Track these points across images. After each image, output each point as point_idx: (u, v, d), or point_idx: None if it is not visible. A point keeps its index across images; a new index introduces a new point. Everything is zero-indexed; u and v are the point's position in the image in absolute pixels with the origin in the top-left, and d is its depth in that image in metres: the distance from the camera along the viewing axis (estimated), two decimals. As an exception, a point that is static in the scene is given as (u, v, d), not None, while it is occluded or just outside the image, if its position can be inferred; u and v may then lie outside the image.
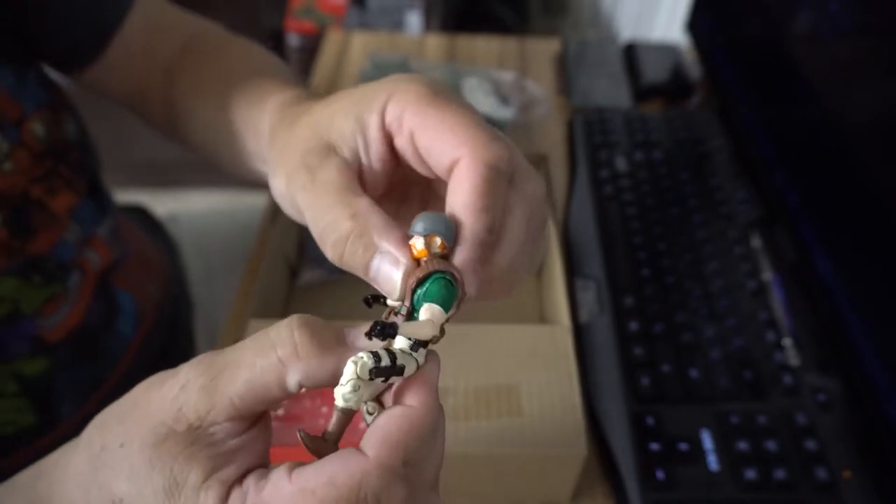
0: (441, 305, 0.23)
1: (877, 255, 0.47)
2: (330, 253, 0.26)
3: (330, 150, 0.28)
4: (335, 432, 0.23)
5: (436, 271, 0.23)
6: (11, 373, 0.49)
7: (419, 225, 0.24)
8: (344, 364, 0.22)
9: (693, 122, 0.73)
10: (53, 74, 0.53)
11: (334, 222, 0.25)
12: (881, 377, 0.45)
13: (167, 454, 0.22)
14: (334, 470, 0.21)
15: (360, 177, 0.28)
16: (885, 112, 0.47)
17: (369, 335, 0.22)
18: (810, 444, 0.46)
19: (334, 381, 0.22)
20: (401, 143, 0.27)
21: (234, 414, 0.22)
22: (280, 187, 0.30)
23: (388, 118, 0.27)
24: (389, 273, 0.24)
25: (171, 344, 0.67)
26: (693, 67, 0.82)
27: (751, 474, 0.44)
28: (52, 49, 0.49)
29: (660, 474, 0.44)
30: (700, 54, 0.79)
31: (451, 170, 0.26)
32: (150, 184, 1.54)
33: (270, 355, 0.22)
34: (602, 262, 0.58)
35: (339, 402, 0.22)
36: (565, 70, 0.83)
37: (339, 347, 0.23)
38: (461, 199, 0.24)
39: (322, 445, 0.23)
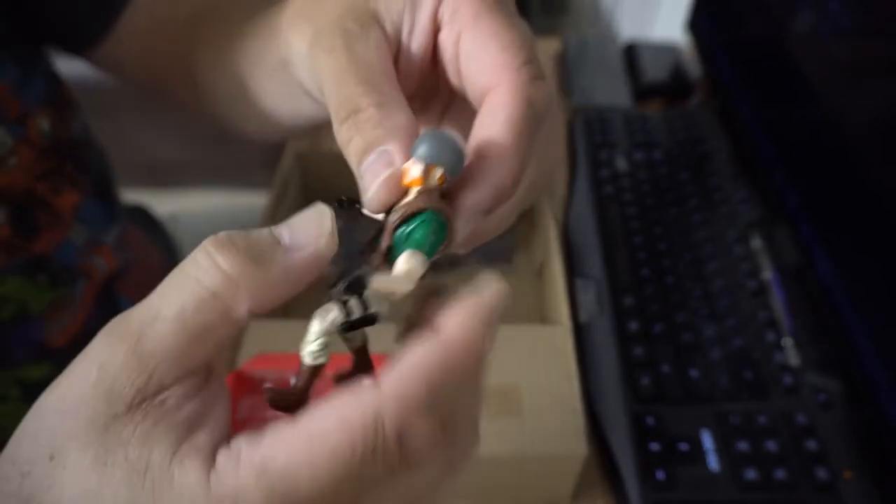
0: (425, 254, 0.19)
1: (877, 255, 0.46)
2: (341, 133, 0.22)
3: (373, 19, 0.24)
4: (302, 386, 0.20)
5: (428, 209, 0.19)
6: (14, 379, 0.49)
7: (423, 147, 0.19)
8: (293, 268, 0.19)
9: (693, 122, 0.73)
10: (61, 68, 0.52)
11: (355, 102, 0.22)
12: (881, 377, 0.45)
13: (116, 443, 0.17)
14: (345, 409, 0.17)
15: (395, 59, 0.25)
16: (885, 112, 0.47)
17: (336, 295, 0.18)
18: (810, 444, 0.46)
19: (288, 293, 0.19)
20: (445, 39, 0.24)
21: (179, 372, 0.18)
22: (300, 47, 0.26)
23: (443, 6, 0.24)
24: (378, 173, 0.20)
25: None
26: (693, 67, 0.82)
27: (751, 474, 0.44)
28: (61, 27, 0.48)
29: (660, 474, 0.44)
30: (700, 54, 0.79)
31: (484, 93, 0.23)
32: (150, 184, 1.54)
33: (199, 291, 0.18)
34: (602, 262, 0.58)
35: (308, 360, 0.19)
36: (565, 70, 0.83)
37: (276, 253, 0.19)
38: (494, 131, 0.21)
39: (291, 399, 0.20)
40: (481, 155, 0.21)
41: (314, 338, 0.19)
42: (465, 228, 0.20)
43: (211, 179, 1.59)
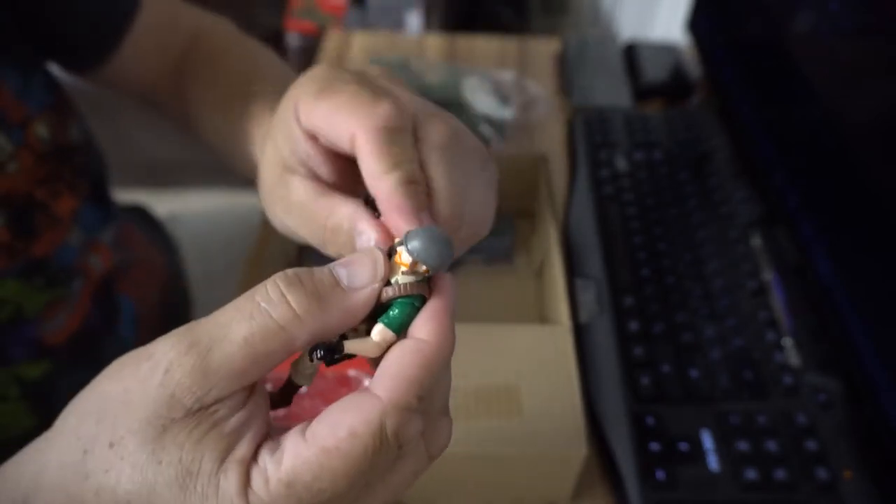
0: (395, 332, 0.22)
1: (877, 255, 0.46)
2: (322, 245, 0.27)
3: (286, 172, 0.29)
4: (285, 393, 0.25)
5: (409, 295, 0.22)
6: (13, 377, 0.49)
7: (414, 243, 0.22)
8: (350, 309, 0.22)
9: (693, 122, 0.73)
10: (60, 76, 0.53)
11: (329, 232, 0.27)
12: (881, 377, 0.45)
13: (172, 444, 0.20)
14: (351, 420, 0.20)
15: (322, 179, 0.29)
16: (885, 112, 0.47)
17: (310, 357, 0.22)
18: (810, 444, 0.46)
19: (343, 328, 0.22)
20: (321, 140, 0.28)
21: (235, 388, 0.21)
22: (268, 212, 0.31)
23: (303, 124, 0.27)
24: (366, 240, 0.25)
25: None
26: (693, 67, 0.82)
27: (751, 474, 0.44)
28: (66, 47, 0.50)
29: (660, 474, 0.44)
30: (700, 54, 0.79)
31: (350, 138, 0.25)
32: (150, 184, 1.54)
33: (268, 323, 0.21)
34: (602, 262, 0.58)
35: (300, 381, 0.24)
36: (565, 70, 0.83)
37: (336, 295, 0.22)
38: (365, 170, 0.24)
39: (276, 400, 0.24)
40: (375, 192, 0.24)
41: (309, 365, 0.23)
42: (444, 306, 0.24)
43: (211, 179, 1.59)
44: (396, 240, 0.23)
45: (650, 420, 0.47)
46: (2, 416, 0.48)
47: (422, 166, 0.25)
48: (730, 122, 0.71)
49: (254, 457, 0.21)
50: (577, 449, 0.41)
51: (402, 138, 0.25)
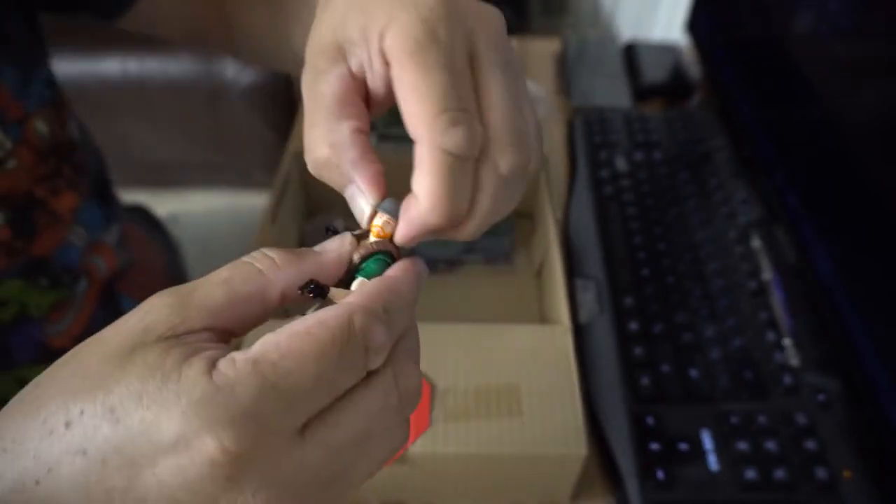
0: (369, 279, 0.25)
1: (877, 255, 0.47)
2: (310, 167, 0.26)
3: (339, 53, 0.27)
4: None
5: (377, 252, 0.25)
6: (16, 380, 0.49)
7: (386, 204, 0.25)
8: (324, 265, 0.24)
9: (693, 122, 0.73)
10: (61, 70, 0.52)
11: (314, 143, 0.26)
12: (881, 377, 0.45)
13: (141, 354, 0.20)
14: (322, 314, 0.21)
15: (366, 88, 0.27)
16: (885, 112, 0.47)
17: (302, 291, 0.23)
18: (810, 444, 0.46)
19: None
20: (391, 76, 0.26)
21: (207, 323, 0.21)
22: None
23: (384, 48, 0.25)
24: (360, 205, 0.25)
25: None
26: (693, 67, 0.82)
27: (751, 474, 0.44)
28: None
29: (660, 474, 0.44)
30: (700, 54, 0.79)
31: (416, 140, 0.25)
32: (150, 184, 1.54)
33: (248, 268, 0.22)
34: (602, 262, 0.58)
35: None
36: (565, 70, 0.83)
37: (310, 254, 0.24)
38: (418, 184, 0.24)
39: None
40: (411, 202, 0.24)
41: None
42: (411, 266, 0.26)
43: (211, 179, 1.59)
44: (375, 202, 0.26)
45: (650, 420, 0.47)
46: None
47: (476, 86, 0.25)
48: (730, 122, 0.71)
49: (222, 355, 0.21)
50: (577, 449, 0.41)
51: (465, 170, 0.24)
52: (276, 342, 0.20)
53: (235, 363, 0.19)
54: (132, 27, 0.51)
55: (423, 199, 0.24)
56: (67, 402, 0.19)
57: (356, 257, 0.25)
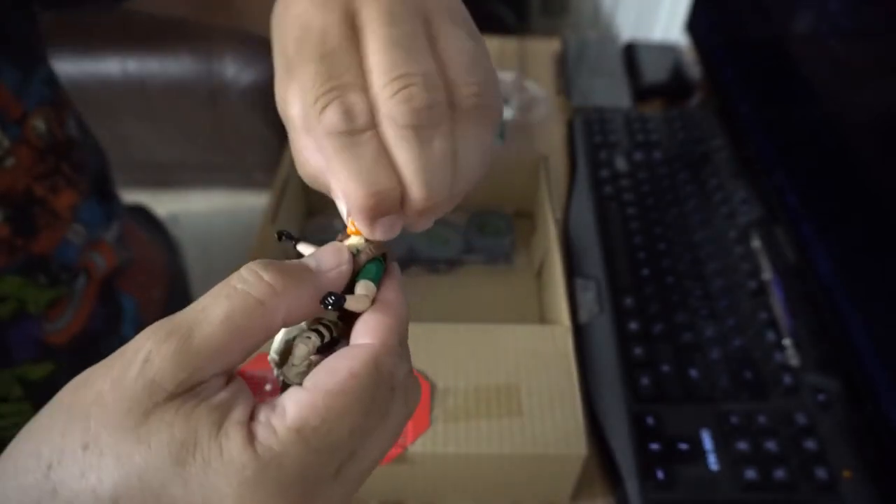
0: (373, 281, 0.25)
1: (877, 255, 0.47)
2: (304, 179, 0.26)
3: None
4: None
5: (374, 257, 0.25)
6: (16, 378, 0.49)
7: None
8: (322, 287, 0.23)
9: (693, 122, 0.73)
10: (62, 70, 0.52)
11: (298, 158, 0.26)
12: (881, 377, 0.45)
13: (159, 423, 0.18)
14: (348, 364, 0.21)
15: None
16: (885, 112, 0.47)
17: (324, 304, 0.22)
18: (810, 444, 0.46)
19: (313, 312, 0.23)
20: None
21: (216, 369, 0.20)
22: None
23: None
24: (340, 207, 0.25)
25: None
26: (693, 67, 0.82)
27: (751, 474, 0.44)
28: None
29: (660, 474, 0.44)
30: (700, 54, 0.79)
31: None
32: (150, 184, 1.54)
33: (247, 299, 0.21)
34: (602, 262, 0.58)
35: (296, 381, 0.23)
36: (565, 70, 0.83)
37: (307, 274, 0.23)
38: (328, 174, 0.24)
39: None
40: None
41: (301, 360, 0.23)
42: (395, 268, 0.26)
43: (211, 179, 1.59)
44: None
45: (650, 420, 0.47)
46: (3, 416, 0.49)
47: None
48: (730, 122, 0.71)
49: (251, 417, 0.20)
50: (577, 449, 0.41)
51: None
52: (312, 405, 0.20)
53: (277, 433, 0.19)
54: (138, 6, 0.51)
55: (335, 185, 0.23)
56: (96, 489, 0.18)
57: (357, 265, 0.25)
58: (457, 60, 0.24)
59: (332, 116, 0.22)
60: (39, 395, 0.50)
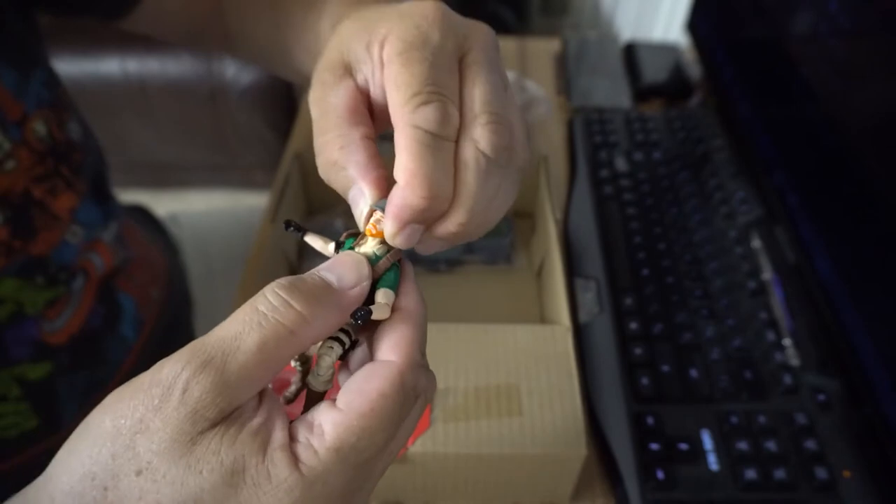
0: (392, 289, 0.26)
1: (877, 255, 0.47)
2: (320, 171, 0.27)
3: (346, 70, 0.28)
4: (297, 392, 0.27)
5: (392, 264, 0.26)
6: (14, 377, 0.49)
7: (384, 203, 0.25)
8: (345, 308, 0.24)
9: (693, 122, 0.73)
10: (62, 70, 0.52)
11: (325, 146, 0.27)
12: (881, 377, 0.45)
13: (207, 452, 0.20)
14: (378, 385, 0.22)
15: (370, 102, 0.28)
16: (885, 112, 0.47)
17: (354, 319, 0.23)
18: (810, 444, 0.46)
19: (338, 327, 0.24)
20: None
21: (253, 393, 0.22)
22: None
23: (382, 56, 0.27)
24: (360, 207, 0.26)
25: (172, 345, 0.67)
26: (693, 67, 0.82)
27: (751, 474, 0.44)
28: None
29: (660, 474, 0.44)
30: (700, 54, 0.79)
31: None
32: (150, 184, 1.54)
33: (279, 329, 0.22)
34: (602, 262, 0.58)
35: (323, 388, 0.25)
36: (565, 70, 0.83)
37: (331, 296, 0.24)
38: (396, 165, 0.24)
39: (290, 399, 0.26)
40: (394, 188, 0.25)
41: (326, 369, 0.24)
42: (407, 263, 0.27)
43: (211, 179, 1.59)
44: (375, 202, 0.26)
45: (650, 420, 0.47)
46: (2, 416, 0.48)
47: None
48: (730, 122, 0.71)
49: (291, 439, 0.22)
50: (577, 449, 0.41)
51: (441, 149, 0.25)
52: (348, 425, 0.22)
53: (318, 455, 0.21)
54: (133, 28, 0.52)
55: (400, 177, 0.24)
56: None
57: (376, 273, 0.25)
58: (516, 116, 0.27)
59: (433, 114, 0.24)
60: (37, 394, 0.50)
